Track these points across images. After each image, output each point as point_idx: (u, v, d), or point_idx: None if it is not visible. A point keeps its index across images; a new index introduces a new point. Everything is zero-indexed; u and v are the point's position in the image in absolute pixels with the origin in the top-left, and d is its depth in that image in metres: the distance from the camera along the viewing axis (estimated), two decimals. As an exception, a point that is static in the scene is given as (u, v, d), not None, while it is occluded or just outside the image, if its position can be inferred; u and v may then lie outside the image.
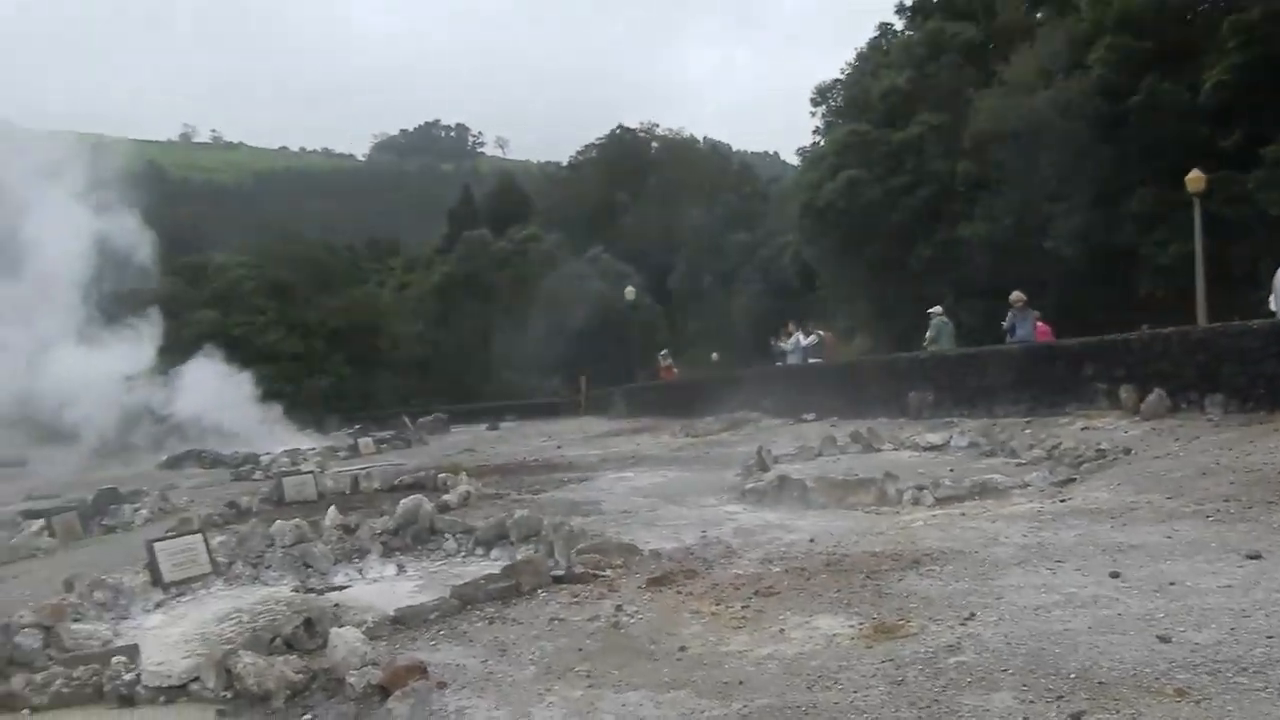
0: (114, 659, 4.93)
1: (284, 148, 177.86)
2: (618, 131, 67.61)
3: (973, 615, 4.73)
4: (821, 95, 42.95)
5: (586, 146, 69.31)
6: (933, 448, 12.25)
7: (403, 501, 8.79)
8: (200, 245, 46.00)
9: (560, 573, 6.30)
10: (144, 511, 12.21)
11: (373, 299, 40.66)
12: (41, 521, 11.01)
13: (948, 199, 31.51)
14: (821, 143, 40.22)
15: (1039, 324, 17.64)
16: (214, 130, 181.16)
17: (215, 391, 24.95)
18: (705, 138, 71.80)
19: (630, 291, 36.70)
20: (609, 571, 6.32)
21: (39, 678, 4.86)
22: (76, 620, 6.15)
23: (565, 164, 73.77)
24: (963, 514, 7.66)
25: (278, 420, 26.37)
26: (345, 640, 4.62)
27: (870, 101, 35.50)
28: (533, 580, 6.02)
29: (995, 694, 3.72)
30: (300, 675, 4.51)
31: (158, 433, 24.62)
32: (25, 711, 4.73)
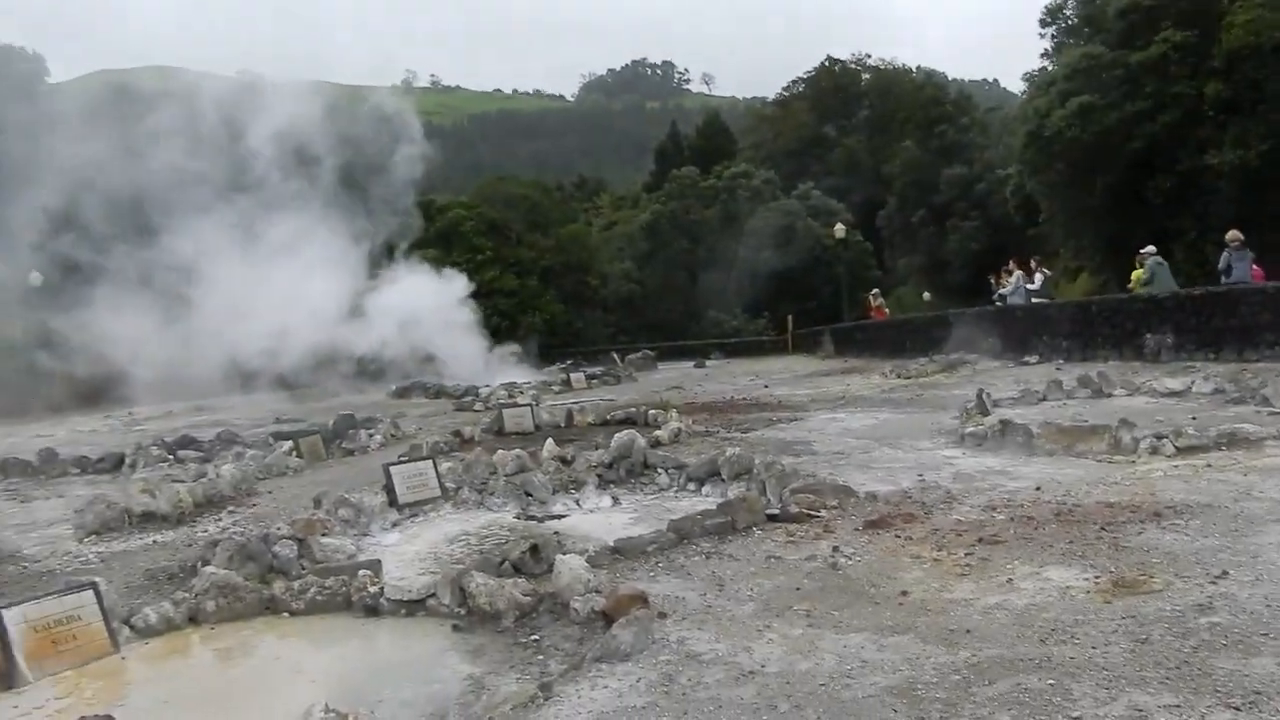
0: (360, 572, 5.31)
1: (498, 90, 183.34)
2: (827, 64, 65.69)
3: (1225, 574, 4.39)
4: (1051, 15, 40.07)
5: (794, 80, 67.80)
6: (1172, 394, 11.41)
7: (616, 436, 8.98)
8: (422, 186, 48.17)
9: (774, 512, 6.29)
10: (378, 437, 13.07)
11: (582, 237, 41.52)
12: (290, 443, 11.96)
13: (1193, 124, 28.86)
14: (1050, 67, 37.58)
15: (1254, 266, 16.24)
16: (433, 75, 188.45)
17: (430, 293, 26.10)
18: (919, 67, 68.64)
19: (840, 229, 35.85)
20: (824, 512, 6.26)
21: (296, 585, 5.31)
22: (324, 535, 6.65)
23: (772, 99, 72.42)
24: (1208, 465, 7.11)
25: (496, 353, 27.50)
26: (570, 567, 4.79)
27: (1106, 20, 32.81)
28: (748, 518, 6.04)
29: (1255, 659, 3.44)
30: (528, 597, 4.71)
31: (365, 370, 26.00)
32: (285, 614, 5.19)
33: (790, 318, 33.42)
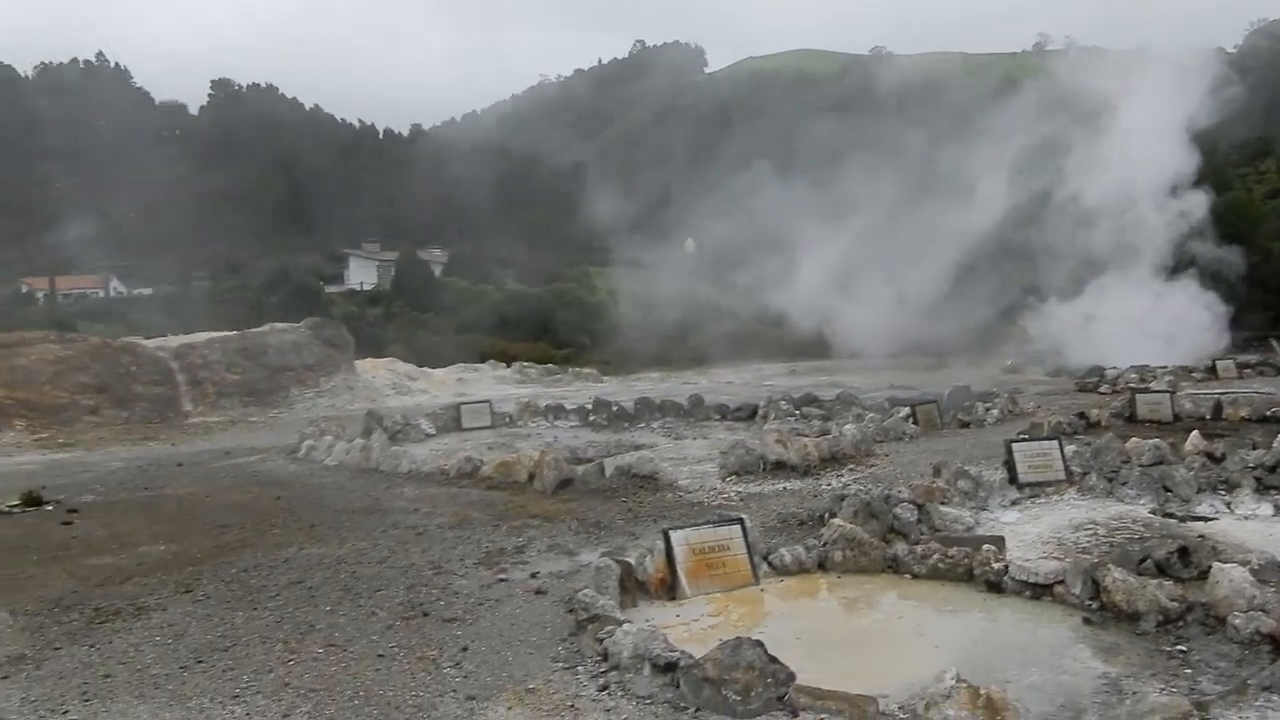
0: (984, 547, 5.21)
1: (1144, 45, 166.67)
2: None
3: None
4: None
5: None
6: None
7: (1282, 435, 7.74)
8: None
9: None
10: (994, 411, 12.74)
11: (1242, 206, 36.25)
12: (906, 409, 12.19)
13: None
14: None
15: None
16: (1067, 36, 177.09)
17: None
18: None
19: None
20: None
21: (919, 549, 5.38)
22: (943, 503, 6.66)
23: None
24: None
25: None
26: (1230, 578, 4.22)
27: None
28: None
29: None
30: (1174, 603, 4.25)
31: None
32: (907, 576, 5.29)
33: None
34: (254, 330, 19.30)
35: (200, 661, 4.59)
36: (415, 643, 4.65)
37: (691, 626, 4.69)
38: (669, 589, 5.14)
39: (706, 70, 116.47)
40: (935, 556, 5.23)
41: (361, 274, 66.88)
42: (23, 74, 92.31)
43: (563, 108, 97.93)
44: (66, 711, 4.10)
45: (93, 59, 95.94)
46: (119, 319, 48.01)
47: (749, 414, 13.75)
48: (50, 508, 8.85)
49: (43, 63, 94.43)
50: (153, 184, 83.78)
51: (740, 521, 5.50)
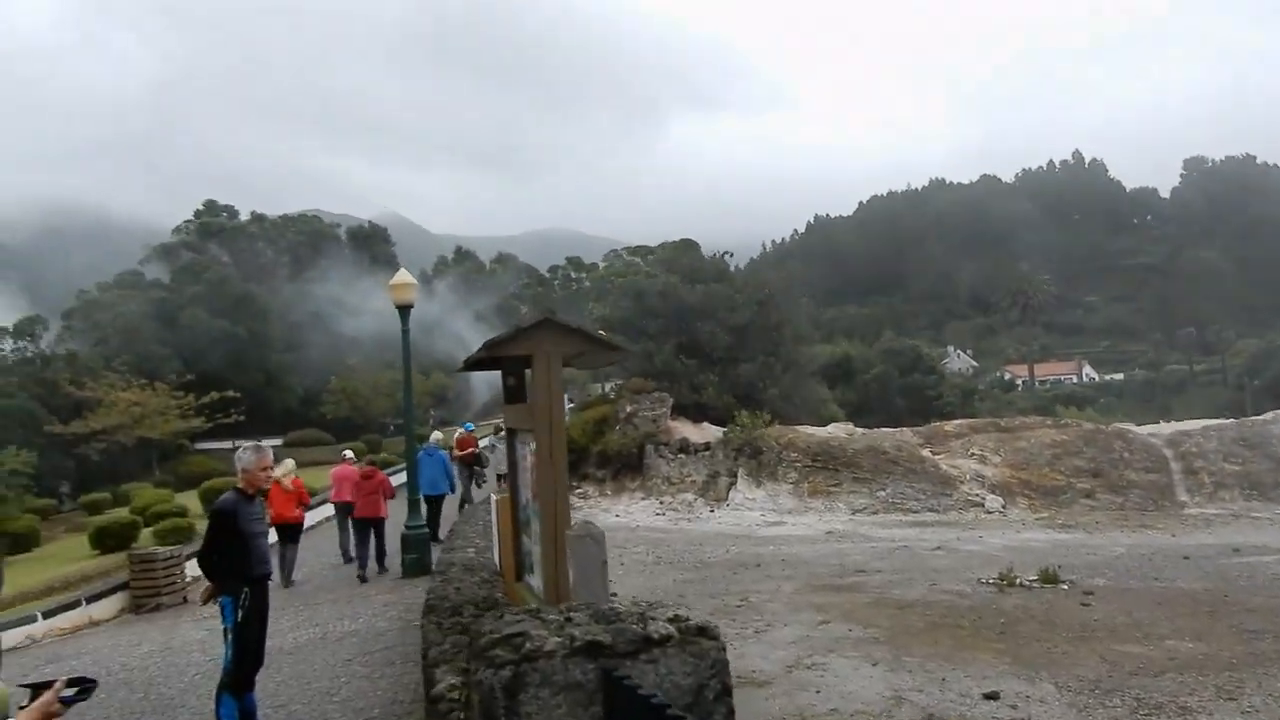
0: None
1: None
2: None
3: None
4: None
5: None
6: None
7: None
8: None
9: None
10: None
11: None
12: None
13: None
14: None
15: None
16: None
17: None
18: None
19: None
20: None
21: None
22: None
23: None
24: None
25: None
26: None
27: None
28: None
29: None
30: None
31: None
32: None
33: None
34: (1254, 418, 17.82)
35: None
36: None
37: None
38: None
39: None
40: None
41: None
42: (1006, 181, 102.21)
43: None
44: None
45: (1069, 159, 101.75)
46: (1091, 403, 49.23)
47: None
48: (1065, 587, 9.27)
49: (1023, 169, 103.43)
50: (1123, 270, 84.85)
51: None
